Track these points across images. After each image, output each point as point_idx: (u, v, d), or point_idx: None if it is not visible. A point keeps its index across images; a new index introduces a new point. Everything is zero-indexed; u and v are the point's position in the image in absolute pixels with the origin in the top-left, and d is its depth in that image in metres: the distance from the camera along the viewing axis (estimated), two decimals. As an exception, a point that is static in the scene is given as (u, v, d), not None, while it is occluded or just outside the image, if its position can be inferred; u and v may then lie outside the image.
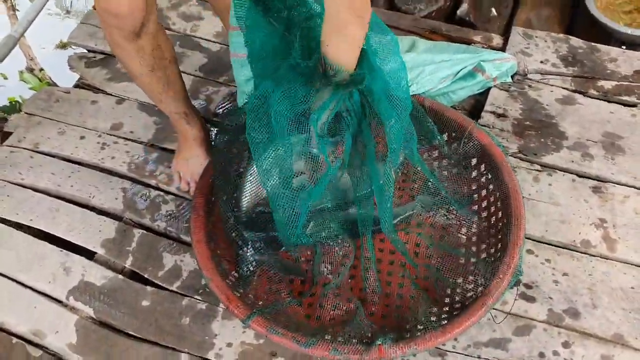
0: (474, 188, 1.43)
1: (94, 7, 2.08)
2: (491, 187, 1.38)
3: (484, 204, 1.40)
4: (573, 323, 1.32)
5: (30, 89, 2.67)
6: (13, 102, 2.23)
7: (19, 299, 1.45)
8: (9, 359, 1.36)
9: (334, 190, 1.31)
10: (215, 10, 1.72)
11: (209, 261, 1.23)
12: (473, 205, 1.41)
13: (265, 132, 1.13)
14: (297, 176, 1.17)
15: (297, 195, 1.15)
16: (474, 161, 1.44)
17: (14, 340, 1.39)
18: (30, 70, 2.94)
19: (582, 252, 1.42)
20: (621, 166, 1.55)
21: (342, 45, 1.06)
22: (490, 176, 1.39)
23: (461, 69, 1.68)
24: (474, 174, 1.44)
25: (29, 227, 1.57)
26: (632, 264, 1.39)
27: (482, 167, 1.42)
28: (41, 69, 2.96)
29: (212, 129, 1.69)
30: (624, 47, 1.85)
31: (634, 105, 1.68)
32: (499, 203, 1.34)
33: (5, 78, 3.05)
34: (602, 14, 1.95)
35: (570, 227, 1.46)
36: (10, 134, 1.80)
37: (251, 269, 1.29)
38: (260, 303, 1.26)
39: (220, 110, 1.77)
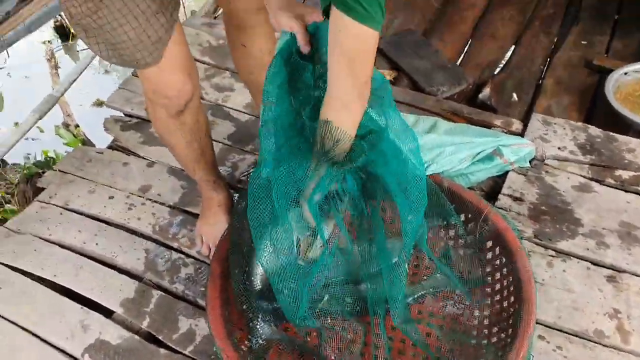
0: (488, 270, 1.45)
1: (134, 74, 2.20)
2: (505, 270, 1.40)
3: (497, 286, 1.41)
4: (584, 415, 1.31)
5: (65, 144, 2.78)
6: (47, 158, 2.33)
7: (37, 355, 1.48)
8: (20, 414, 1.38)
9: (347, 264, 1.34)
10: (250, 91, 1.80)
11: (222, 329, 1.26)
12: (486, 287, 1.42)
13: (267, 214, 1.19)
14: (298, 257, 1.21)
15: (298, 278, 1.19)
16: (489, 244, 1.46)
17: (28, 395, 1.41)
18: (66, 126, 3.07)
19: (595, 342, 1.42)
20: (637, 257, 1.56)
21: (343, 118, 1.13)
22: (504, 260, 1.40)
23: (480, 152, 1.73)
24: (489, 256, 1.46)
25: (52, 282, 1.62)
26: (646, 358, 1.39)
27: (497, 250, 1.44)
28: (77, 126, 3.09)
29: (235, 195, 1.76)
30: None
31: (651, 196, 1.71)
32: (512, 287, 1.35)
33: (42, 131, 3.18)
34: (621, 104, 2.00)
35: (583, 314, 1.46)
36: (42, 189, 1.88)
37: (260, 342, 1.30)
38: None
39: (244, 177, 1.84)
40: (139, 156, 1.95)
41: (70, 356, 1.48)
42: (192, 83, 1.31)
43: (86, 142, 2.80)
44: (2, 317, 1.54)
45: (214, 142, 1.93)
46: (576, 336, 1.43)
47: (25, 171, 2.09)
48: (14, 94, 3.52)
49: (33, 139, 3.25)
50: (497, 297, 1.39)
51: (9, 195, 2.53)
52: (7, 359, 1.47)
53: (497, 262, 1.43)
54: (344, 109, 1.12)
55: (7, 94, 3.56)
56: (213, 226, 1.62)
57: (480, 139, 1.75)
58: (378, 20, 1.02)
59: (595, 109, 2.07)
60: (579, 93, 2.11)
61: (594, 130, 1.89)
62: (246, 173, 1.86)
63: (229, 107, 2.07)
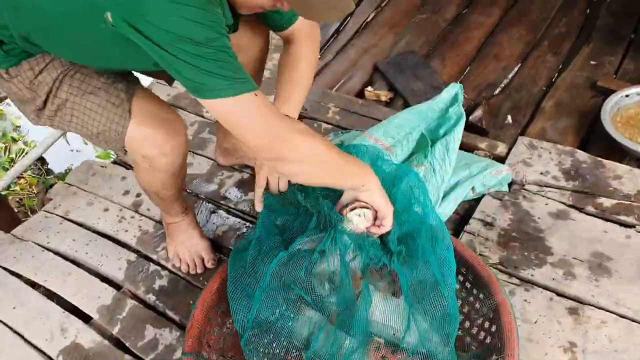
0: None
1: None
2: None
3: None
4: None
5: (97, 157, 2.97)
6: (66, 171, 2.50)
7: (19, 353, 1.60)
8: (-5, 407, 1.51)
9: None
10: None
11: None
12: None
13: None
14: None
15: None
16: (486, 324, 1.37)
17: (4, 391, 1.54)
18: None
19: (544, 375, 1.38)
20: (604, 289, 1.51)
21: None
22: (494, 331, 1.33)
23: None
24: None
25: (42, 286, 1.76)
26: (595, 395, 1.34)
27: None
28: (113, 139, 3.29)
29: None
30: (637, 165, 1.81)
31: (631, 226, 1.63)
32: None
33: (85, 144, 3.41)
34: (622, 128, 1.92)
35: (537, 346, 1.43)
36: (51, 200, 2.04)
37: None
38: None
39: (229, 194, 1.91)
40: (137, 171, 2.07)
41: (48, 357, 1.59)
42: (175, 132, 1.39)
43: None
44: (-5, 317, 1.69)
45: (207, 159, 2.05)
46: (526, 368, 1.40)
47: (43, 183, 2.26)
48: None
49: (78, 151, 3.50)
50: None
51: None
52: (-7, 356, 1.61)
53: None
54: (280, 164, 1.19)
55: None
56: (185, 242, 1.70)
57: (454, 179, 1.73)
58: (227, 87, 1.06)
59: (593, 134, 2.00)
60: (578, 116, 2.05)
61: (581, 155, 1.83)
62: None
63: (224, 126, 2.16)
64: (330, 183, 1.27)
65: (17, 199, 2.81)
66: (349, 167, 1.25)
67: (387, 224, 1.31)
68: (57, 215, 1.96)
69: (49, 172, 3.18)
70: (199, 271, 1.72)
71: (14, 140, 3.50)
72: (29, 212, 2.64)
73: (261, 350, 1.34)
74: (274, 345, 1.36)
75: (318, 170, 1.21)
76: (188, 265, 1.72)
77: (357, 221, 1.30)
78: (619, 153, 1.87)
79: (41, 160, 2.96)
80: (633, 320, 1.44)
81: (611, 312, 1.47)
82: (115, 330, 1.62)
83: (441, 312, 1.27)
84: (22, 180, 2.88)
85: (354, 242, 1.31)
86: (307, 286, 1.33)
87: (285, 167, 1.19)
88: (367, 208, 1.30)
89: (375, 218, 1.32)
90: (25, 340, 1.63)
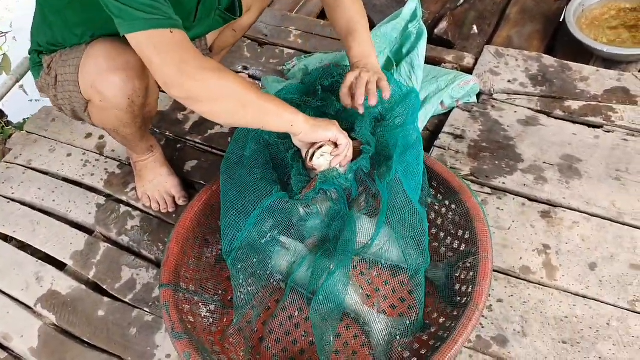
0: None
1: None
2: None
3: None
4: (499, 351, 1.31)
5: (57, 104, 2.86)
6: (23, 120, 2.41)
7: (-2, 304, 1.59)
8: (-22, 360, 1.50)
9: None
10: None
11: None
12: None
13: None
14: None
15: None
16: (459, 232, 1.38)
17: (-15, 342, 1.53)
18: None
19: (520, 279, 1.40)
20: (575, 190, 1.52)
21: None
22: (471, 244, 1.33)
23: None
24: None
25: (14, 238, 1.72)
26: (569, 293, 1.36)
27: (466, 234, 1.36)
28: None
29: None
30: (604, 65, 1.80)
31: (599, 126, 1.63)
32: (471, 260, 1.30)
33: (44, 93, 3.29)
34: (587, 29, 1.90)
35: (512, 252, 1.45)
36: (10, 150, 1.97)
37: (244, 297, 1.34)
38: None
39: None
40: (97, 113, 2.00)
41: (25, 306, 1.58)
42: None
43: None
44: (-34, 272, 1.66)
45: (168, 96, 1.98)
46: (502, 273, 1.42)
47: (1, 134, 2.18)
48: (20, 57, 3.63)
49: (37, 100, 3.37)
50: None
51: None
52: (-31, 310, 1.59)
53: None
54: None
55: (14, 57, 3.67)
56: (154, 181, 1.67)
57: (423, 94, 1.70)
58: (143, 21, 1.05)
59: (558, 37, 1.97)
60: (544, 21, 2.01)
61: (548, 59, 1.80)
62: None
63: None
64: (251, 123, 1.21)
65: (-22, 155, 2.73)
66: (269, 105, 1.19)
67: (344, 148, 1.28)
68: (18, 165, 1.90)
69: (8, 124, 3.07)
70: (170, 210, 1.69)
71: (-31, 95, 3.35)
72: (-9, 167, 2.56)
73: (249, 270, 1.34)
74: (261, 267, 1.37)
75: (234, 108, 1.15)
76: (159, 204, 1.69)
77: (324, 163, 1.27)
78: (585, 55, 1.86)
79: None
80: (604, 218, 1.46)
81: (582, 212, 1.49)
82: (91, 275, 1.60)
83: (408, 213, 1.28)
84: (-20, 135, 2.78)
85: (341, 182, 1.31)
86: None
87: (200, 107, 1.15)
88: (321, 146, 1.25)
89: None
90: (1, 291, 1.61)
